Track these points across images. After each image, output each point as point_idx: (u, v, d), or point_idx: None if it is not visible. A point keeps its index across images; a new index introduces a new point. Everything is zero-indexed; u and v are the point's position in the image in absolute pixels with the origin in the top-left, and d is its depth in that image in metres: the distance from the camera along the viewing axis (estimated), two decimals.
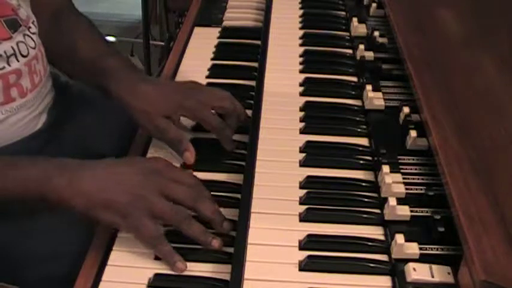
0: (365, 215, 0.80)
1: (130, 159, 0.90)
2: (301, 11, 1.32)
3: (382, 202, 0.80)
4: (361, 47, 1.12)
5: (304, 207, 0.80)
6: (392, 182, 0.80)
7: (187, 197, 0.78)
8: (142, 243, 0.78)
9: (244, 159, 0.92)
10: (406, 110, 0.92)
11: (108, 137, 1.13)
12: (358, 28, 1.20)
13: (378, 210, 0.80)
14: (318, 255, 0.74)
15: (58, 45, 1.08)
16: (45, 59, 1.06)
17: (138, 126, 0.99)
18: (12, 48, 0.95)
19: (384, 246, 0.75)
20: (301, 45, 1.19)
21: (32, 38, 1.00)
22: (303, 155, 0.90)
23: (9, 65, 0.95)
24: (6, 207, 0.85)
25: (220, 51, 1.23)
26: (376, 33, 1.14)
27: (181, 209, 0.78)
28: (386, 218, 0.78)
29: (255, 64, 1.16)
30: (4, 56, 0.94)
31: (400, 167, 0.84)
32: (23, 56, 0.97)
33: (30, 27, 1.01)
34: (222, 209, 0.83)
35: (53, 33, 1.08)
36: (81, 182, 0.77)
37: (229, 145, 0.94)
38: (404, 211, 0.77)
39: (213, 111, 0.94)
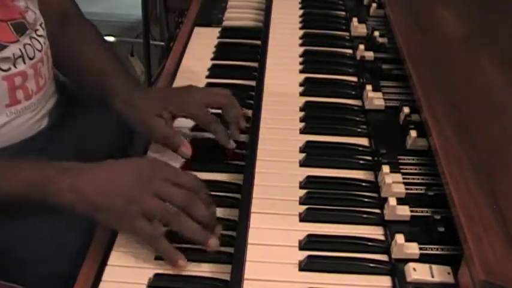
0: (365, 215, 0.80)
1: (129, 162, 0.88)
2: (301, 11, 1.32)
3: (382, 202, 0.80)
4: (361, 47, 1.12)
5: (304, 207, 0.80)
6: (393, 182, 0.80)
7: (179, 199, 0.77)
8: (144, 243, 0.78)
9: (244, 159, 0.92)
10: (406, 110, 0.92)
11: (108, 138, 1.13)
12: (358, 28, 1.20)
13: (378, 210, 0.80)
14: (318, 255, 0.74)
15: (64, 52, 1.09)
16: (50, 62, 1.06)
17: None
18: (20, 50, 0.96)
19: (384, 246, 0.75)
20: (301, 45, 1.19)
21: (38, 41, 1.00)
22: (303, 155, 0.90)
23: (15, 66, 0.95)
24: (7, 209, 0.85)
25: (220, 51, 1.23)
26: (376, 33, 1.14)
27: (174, 208, 0.77)
28: (386, 218, 0.78)
29: (255, 64, 1.16)
30: (12, 58, 0.94)
31: (400, 167, 0.84)
32: (30, 59, 0.98)
33: (37, 30, 1.01)
34: (222, 209, 0.83)
35: (60, 39, 1.09)
36: (81, 186, 0.79)
37: (225, 141, 0.93)
38: (404, 211, 0.77)
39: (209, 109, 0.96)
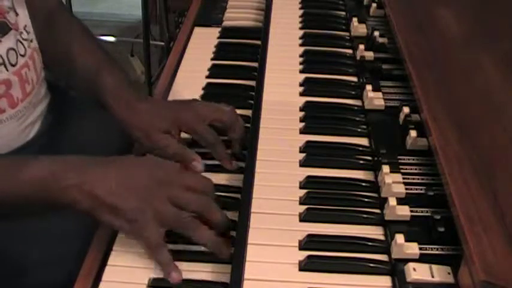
0: (365, 215, 0.80)
1: (144, 162, 0.85)
2: (301, 11, 1.32)
3: (382, 202, 0.80)
4: (361, 47, 1.12)
5: (304, 207, 0.80)
6: (392, 182, 0.80)
7: (196, 205, 0.76)
8: (142, 248, 0.77)
9: (244, 159, 0.92)
10: (406, 110, 0.92)
11: (108, 144, 1.08)
12: (358, 28, 1.20)
13: (378, 210, 0.80)
14: (318, 255, 0.74)
15: (53, 51, 1.06)
16: (38, 65, 1.02)
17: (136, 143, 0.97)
18: (1, 56, 0.92)
19: (384, 246, 0.75)
20: (301, 45, 1.19)
21: (23, 45, 0.96)
22: (303, 155, 0.90)
23: None
24: (10, 212, 0.82)
25: (220, 51, 1.23)
26: (376, 33, 1.14)
27: (189, 216, 0.76)
28: (386, 218, 0.78)
29: (255, 64, 1.16)
30: None
31: (400, 167, 0.84)
32: (12, 65, 0.94)
33: (21, 33, 0.97)
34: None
35: (48, 38, 1.06)
36: (90, 183, 0.75)
37: (226, 163, 0.91)
38: (404, 211, 0.77)
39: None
